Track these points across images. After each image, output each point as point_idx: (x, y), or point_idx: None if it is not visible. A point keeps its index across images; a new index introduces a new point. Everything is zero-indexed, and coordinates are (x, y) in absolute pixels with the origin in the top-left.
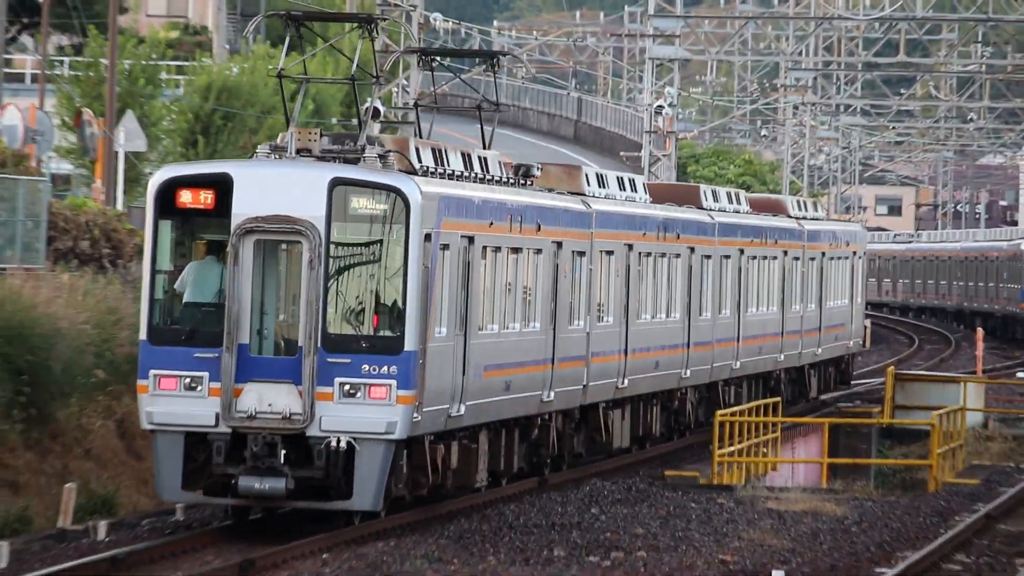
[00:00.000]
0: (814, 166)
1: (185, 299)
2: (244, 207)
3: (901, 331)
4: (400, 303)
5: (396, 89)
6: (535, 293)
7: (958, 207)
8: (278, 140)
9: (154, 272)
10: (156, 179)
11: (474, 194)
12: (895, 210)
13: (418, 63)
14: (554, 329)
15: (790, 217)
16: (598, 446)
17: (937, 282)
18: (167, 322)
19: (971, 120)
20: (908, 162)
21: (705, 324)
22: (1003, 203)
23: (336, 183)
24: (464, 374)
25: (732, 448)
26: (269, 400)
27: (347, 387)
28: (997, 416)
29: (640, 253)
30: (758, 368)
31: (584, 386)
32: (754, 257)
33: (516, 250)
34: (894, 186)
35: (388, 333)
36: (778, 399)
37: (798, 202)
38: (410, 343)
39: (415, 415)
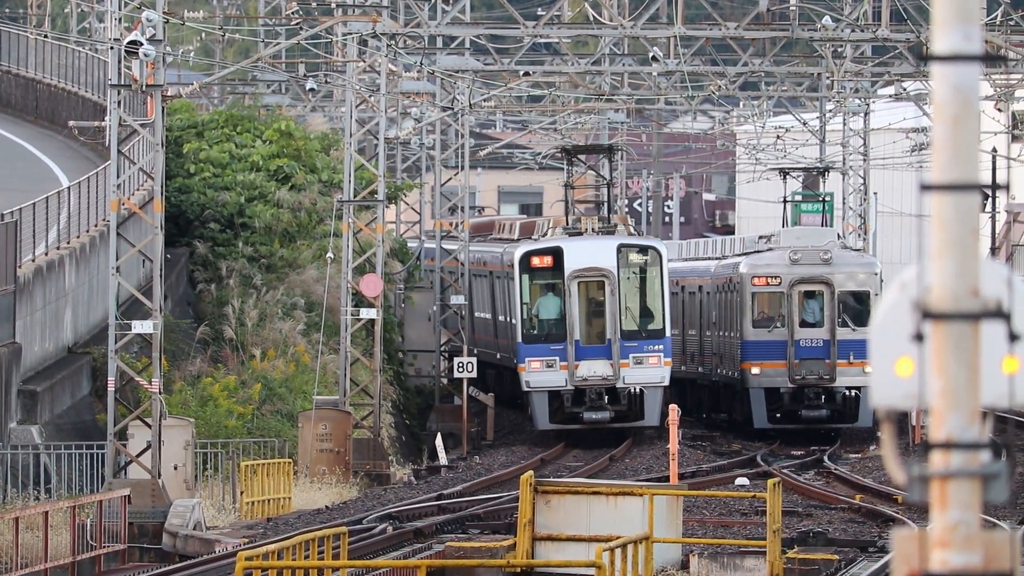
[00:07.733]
0: (396, 140)
1: (541, 317)
2: (571, 264)
3: None
4: (661, 310)
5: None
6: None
7: (635, 204)
8: (555, 224)
9: (521, 304)
10: (518, 252)
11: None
12: (533, 210)
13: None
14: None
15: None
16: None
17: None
18: (531, 331)
19: (654, 59)
20: (552, 132)
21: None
22: (709, 197)
23: (621, 247)
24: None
25: None
26: (594, 369)
27: (636, 359)
28: (704, 549)
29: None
30: None
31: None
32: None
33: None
34: (530, 171)
35: (655, 327)
36: (343, 529)
37: None
38: (667, 332)
39: (670, 373)
